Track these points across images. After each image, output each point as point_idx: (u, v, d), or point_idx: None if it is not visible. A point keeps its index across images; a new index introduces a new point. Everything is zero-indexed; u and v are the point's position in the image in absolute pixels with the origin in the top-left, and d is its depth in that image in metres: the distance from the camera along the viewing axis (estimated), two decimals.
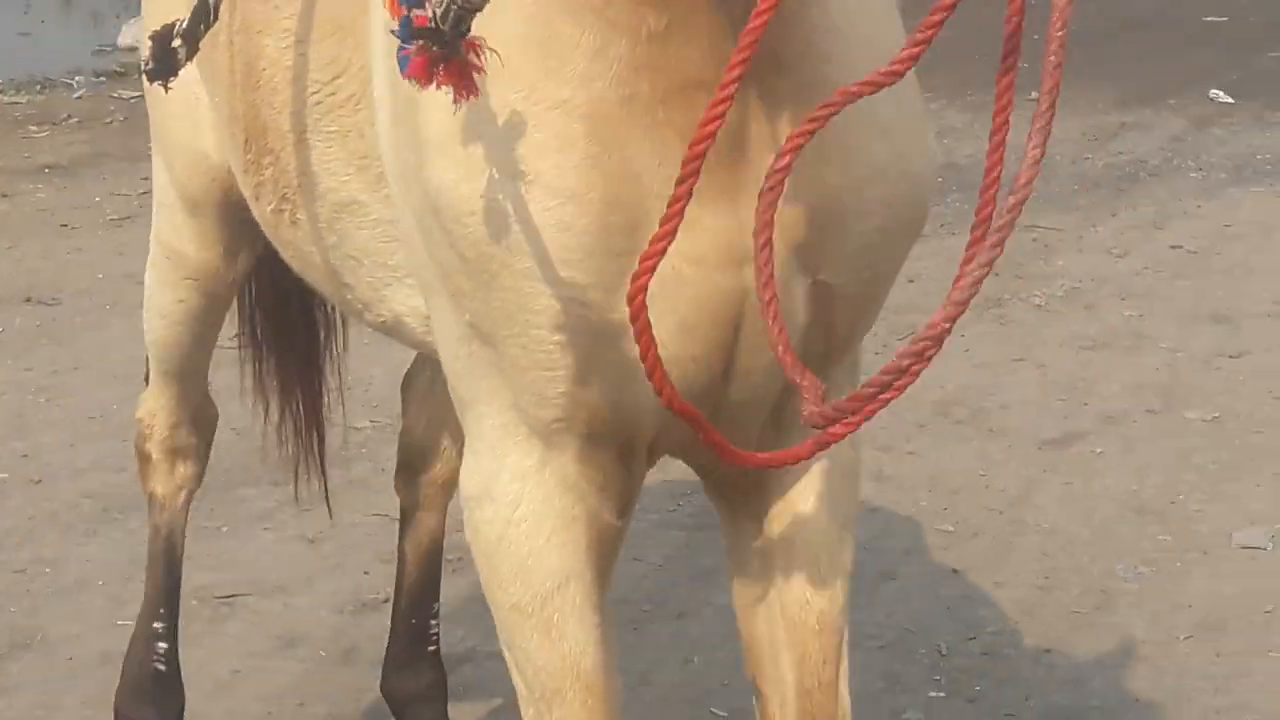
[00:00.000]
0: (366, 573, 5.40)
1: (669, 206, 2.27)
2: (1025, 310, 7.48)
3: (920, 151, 2.57)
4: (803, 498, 2.71)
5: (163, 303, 3.98)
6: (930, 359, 2.16)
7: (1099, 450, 6.06)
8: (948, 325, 2.11)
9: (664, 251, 2.29)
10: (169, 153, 3.79)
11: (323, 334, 4.51)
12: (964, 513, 5.64)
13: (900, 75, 2.22)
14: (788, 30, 2.38)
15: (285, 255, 3.36)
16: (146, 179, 9.39)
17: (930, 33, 2.16)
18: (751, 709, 4.54)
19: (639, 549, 5.48)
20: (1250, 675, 4.63)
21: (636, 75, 2.37)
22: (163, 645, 4.14)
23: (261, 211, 3.29)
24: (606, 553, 2.66)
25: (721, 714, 4.53)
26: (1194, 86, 11.14)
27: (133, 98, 11.34)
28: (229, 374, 7.11)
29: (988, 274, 2.11)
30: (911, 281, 6.84)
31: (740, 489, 2.76)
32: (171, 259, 3.90)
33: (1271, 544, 5.37)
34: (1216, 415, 6.41)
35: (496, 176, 2.41)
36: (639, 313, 2.29)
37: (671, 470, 5.82)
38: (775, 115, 2.41)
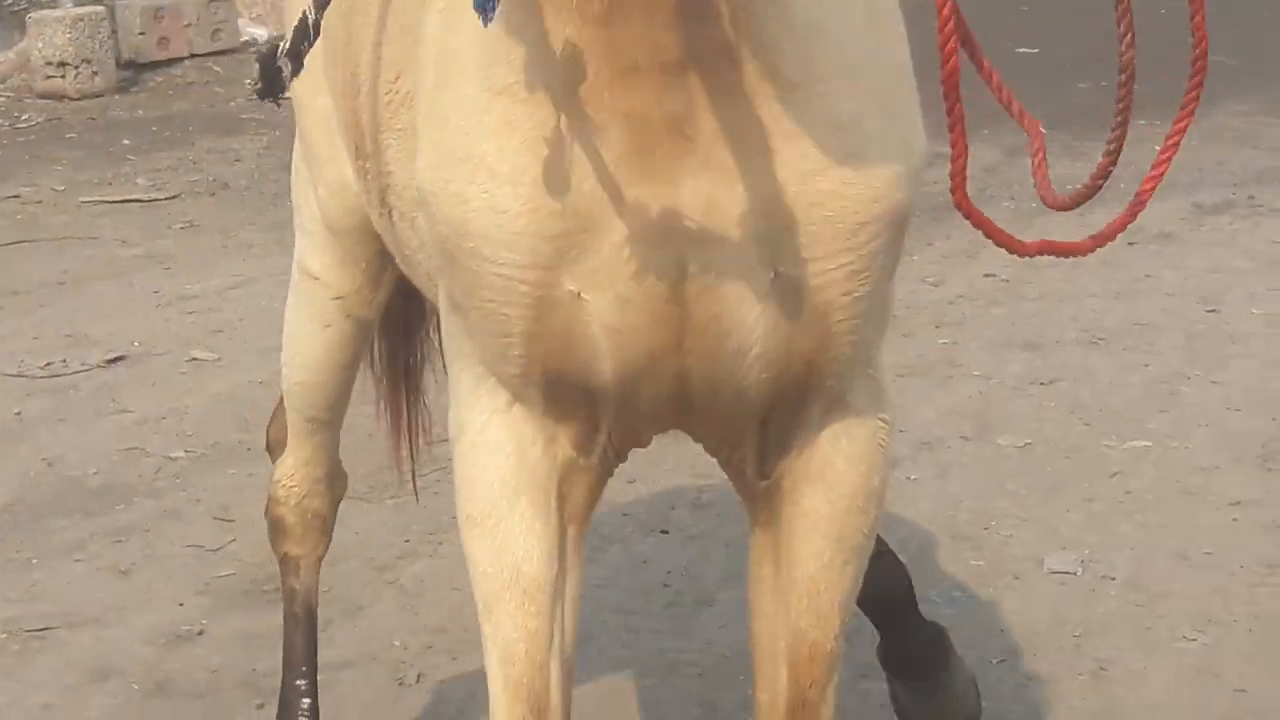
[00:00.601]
0: (180, 604, 5.34)
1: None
2: None
3: (884, 152, 2.61)
4: (811, 528, 2.81)
5: (306, 333, 3.96)
6: None
7: (914, 476, 6.13)
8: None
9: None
10: (316, 179, 3.80)
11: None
12: None
13: None
14: (740, 24, 2.46)
15: (400, 265, 3.43)
16: None
17: None
18: None
19: (459, 579, 5.43)
20: (1060, 698, 4.69)
21: (579, 60, 2.45)
22: (306, 701, 4.22)
23: (374, 218, 3.38)
24: (574, 482, 2.80)
25: None
26: (1006, 117, 11.25)
27: None
28: (42, 402, 7.02)
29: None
30: None
31: (757, 500, 2.88)
32: (316, 283, 3.90)
33: (1081, 569, 5.45)
34: (1028, 442, 6.51)
35: (453, 162, 2.58)
36: (968, 210, 2.59)
37: None
38: (723, 105, 2.48)
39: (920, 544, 5.63)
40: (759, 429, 2.80)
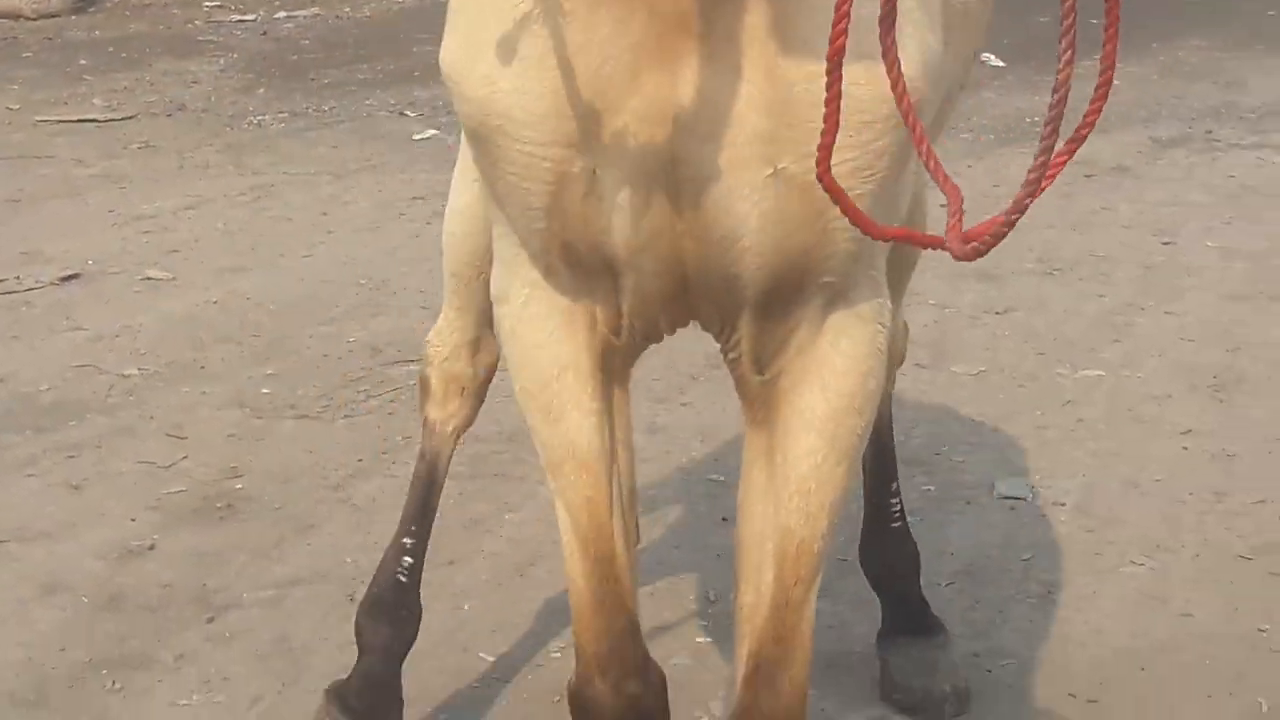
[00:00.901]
0: (132, 520, 5.33)
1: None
2: None
3: (901, 53, 2.58)
4: (806, 426, 2.87)
5: (459, 186, 4.03)
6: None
7: None
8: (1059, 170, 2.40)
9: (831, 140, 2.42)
10: None
11: None
12: (735, 463, 5.62)
13: None
14: None
15: None
16: None
17: None
18: (517, 655, 4.59)
19: None
20: (1008, 621, 4.73)
21: None
22: (408, 560, 4.21)
23: None
24: (612, 355, 2.94)
25: (489, 659, 4.53)
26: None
27: None
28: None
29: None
30: None
31: (754, 398, 2.95)
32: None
33: (1031, 494, 5.49)
34: (982, 369, 6.53)
35: (481, 44, 2.68)
36: (829, 185, 2.45)
37: None
38: (737, 6, 2.55)
39: None
40: (757, 317, 2.85)
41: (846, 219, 2.64)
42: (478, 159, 2.87)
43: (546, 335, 2.90)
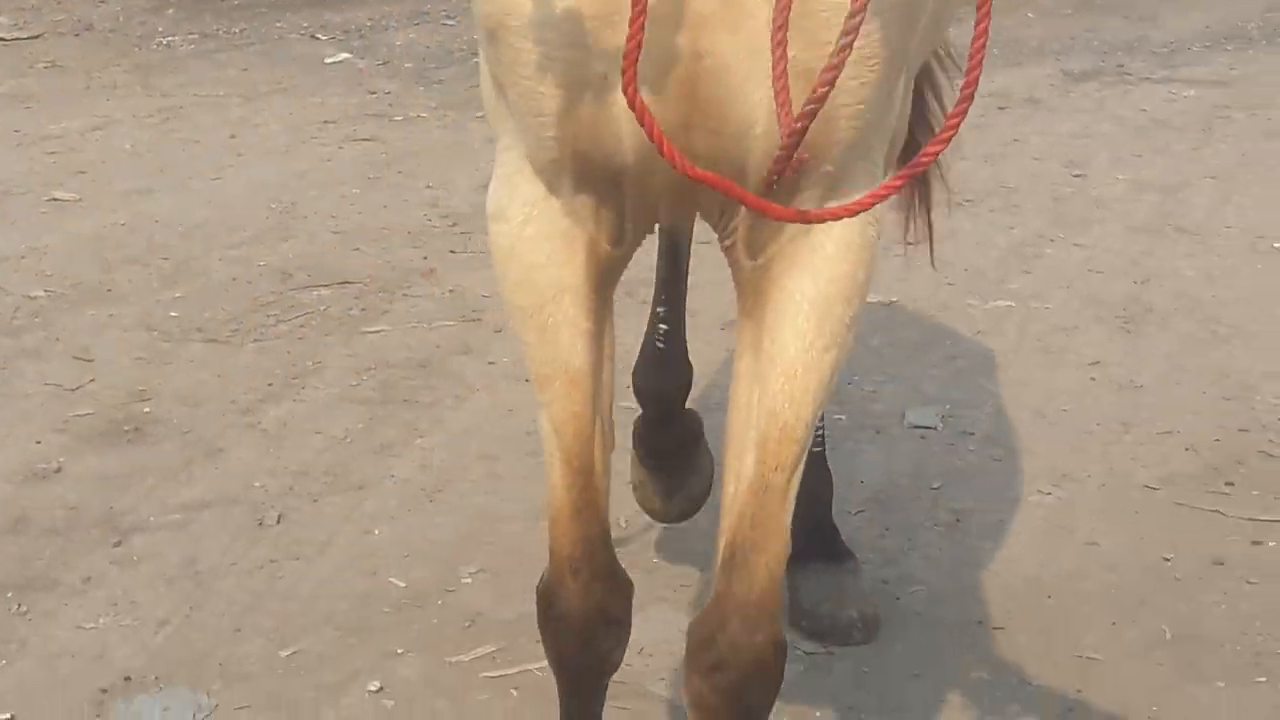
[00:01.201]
0: (38, 442, 5.28)
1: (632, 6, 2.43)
2: None
3: None
4: (795, 310, 2.87)
5: None
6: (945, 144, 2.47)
7: None
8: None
9: (638, 45, 2.43)
10: None
11: None
12: None
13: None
14: None
15: None
16: None
17: None
18: (428, 580, 4.58)
19: (320, 422, 5.45)
20: (916, 549, 4.75)
21: None
22: (663, 326, 4.67)
23: None
24: (606, 273, 2.98)
25: (400, 584, 4.52)
26: None
27: None
28: None
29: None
30: None
31: (746, 285, 2.96)
32: None
33: (941, 423, 5.51)
34: (894, 300, 6.55)
35: None
36: (632, 100, 2.46)
37: (355, 346, 5.78)
38: None
39: None
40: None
41: (852, 108, 2.66)
42: (491, 64, 2.87)
43: (545, 257, 2.93)
